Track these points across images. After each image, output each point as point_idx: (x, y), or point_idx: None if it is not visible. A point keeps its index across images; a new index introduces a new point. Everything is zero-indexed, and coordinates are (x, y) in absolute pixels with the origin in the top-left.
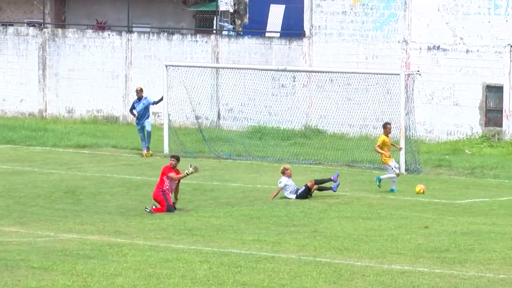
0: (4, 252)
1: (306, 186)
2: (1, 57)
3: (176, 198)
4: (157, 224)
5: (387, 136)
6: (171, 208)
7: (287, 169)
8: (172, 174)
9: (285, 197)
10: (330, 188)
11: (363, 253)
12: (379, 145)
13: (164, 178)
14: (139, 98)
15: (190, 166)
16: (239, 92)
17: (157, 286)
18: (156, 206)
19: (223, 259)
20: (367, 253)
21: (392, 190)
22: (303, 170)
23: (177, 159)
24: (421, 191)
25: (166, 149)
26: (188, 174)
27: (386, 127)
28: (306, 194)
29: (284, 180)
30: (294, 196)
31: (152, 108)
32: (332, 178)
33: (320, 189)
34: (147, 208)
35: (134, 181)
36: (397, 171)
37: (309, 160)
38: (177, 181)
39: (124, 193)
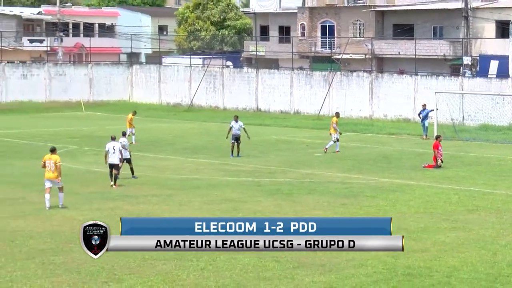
0: (348, 188)
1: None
2: (347, 91)
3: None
4: (430, 174)
5: None
6: (438, 167)
7: None
8: (435, 144)
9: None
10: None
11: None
12: None
13: (436, 150)
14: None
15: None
16: None
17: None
18: (428, 164)
19: None
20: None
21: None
22: None
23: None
24: None
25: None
26: None
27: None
28: None
29: None
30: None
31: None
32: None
33: None
34: (423, 165)
35: (419, 152)
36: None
37: None
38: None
39: (412, 158)
